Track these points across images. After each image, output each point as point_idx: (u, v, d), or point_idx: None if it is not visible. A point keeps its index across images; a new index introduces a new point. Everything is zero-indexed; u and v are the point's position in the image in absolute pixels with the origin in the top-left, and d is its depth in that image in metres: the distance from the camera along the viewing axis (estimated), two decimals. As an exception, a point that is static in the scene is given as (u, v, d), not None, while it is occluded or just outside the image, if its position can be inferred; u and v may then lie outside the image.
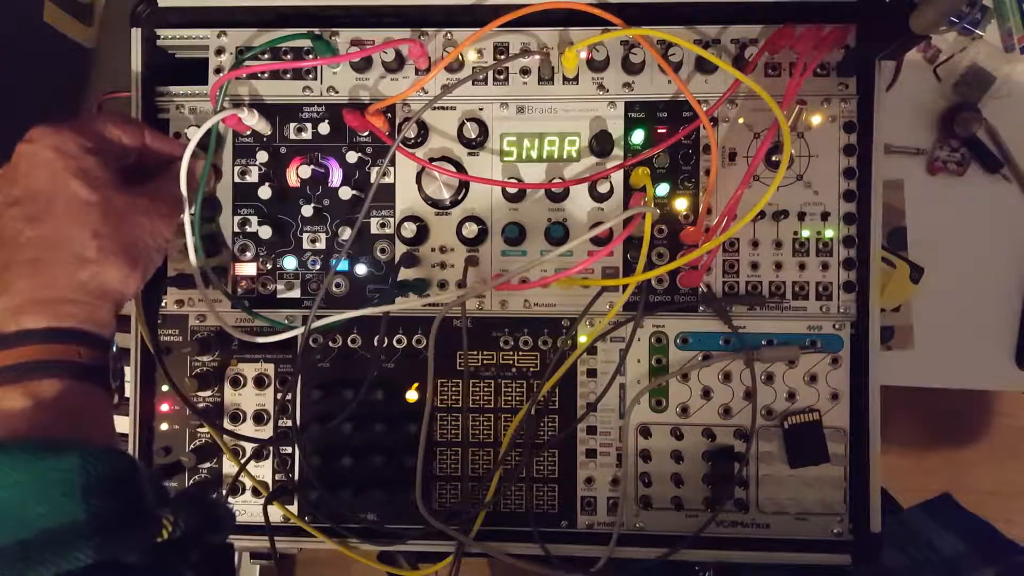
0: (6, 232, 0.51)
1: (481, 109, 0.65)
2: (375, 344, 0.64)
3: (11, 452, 0.42)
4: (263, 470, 0.67)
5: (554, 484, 0.66)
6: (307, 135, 0.65)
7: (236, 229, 0.66)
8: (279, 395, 0.66)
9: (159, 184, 0.59)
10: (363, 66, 0.64)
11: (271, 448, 0.66)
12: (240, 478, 0.66)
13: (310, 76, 0.65)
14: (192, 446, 0.67)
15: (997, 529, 0.77)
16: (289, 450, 0.66)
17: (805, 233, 0.64)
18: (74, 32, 0.80)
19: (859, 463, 0.64)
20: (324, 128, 0.64)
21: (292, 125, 0.65)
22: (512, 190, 0.64)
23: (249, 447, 0.66)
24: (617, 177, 0.64)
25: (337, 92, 0.65)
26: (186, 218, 0.61)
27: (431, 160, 0.63)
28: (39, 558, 0.39)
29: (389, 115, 0.64)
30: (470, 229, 0.63)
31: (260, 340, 0.64)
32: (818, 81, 0.63)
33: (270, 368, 0.67)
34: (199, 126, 0.61)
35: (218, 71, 0.65)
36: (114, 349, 0.55)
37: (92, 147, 0.54)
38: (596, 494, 0.66)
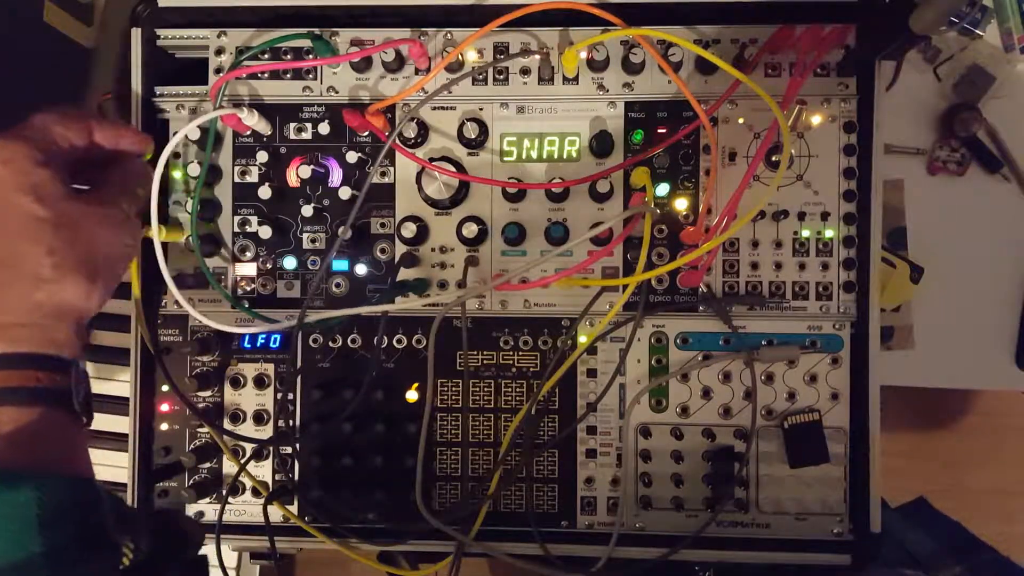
0: None
1: (481, 109, 0.65)
2: (375, 344, 0.64)
3: None
4: (263, 470, 0.67)
5: (554, 484, 0.66)
6: (307, 135, 0.65)
7: (236, 229, 0.66)
8: (279, 395, 0.66)
9: (113, 185, 0.57)
10: (363, 66, 0.64)
11: (271, 448, 0.66)
12: (240, 478, 0.66)
13: (310, 76, 0.65)
14: (192, 446, 0.67)
15: (968, 529, 0.77)
16: (289, 450, 0.66)
17: (805, 233, 0.64)
18: (74, 32, 0.80)
19: (859, 463, 0.64)
20: (324, 128, 0.64)
21: (292, 125, 0.65)
22: (512, 190, 0.64)
23: (249, 447, 0.66)
24: (617, 177, 0.64)
25: (337, 92, 0.65)
26: (153, 222, 0.59)
27: (431, 160, 0.63)
28: None
29: (389, 115, 0.64)
30: (470, 229, 0.63)
31: (252, 331, 0.63)
32: (818, 81, 0.63)
33: (270, 368, 0.67)
34: (199, 126, 0.61)
35: (218, 71, 0.65)
36: (80, 367, 0.53)
37: (41, 158, 0.51)
38: (596, 494, 0.66)
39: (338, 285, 0.65)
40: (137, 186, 0.58)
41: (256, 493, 0.66)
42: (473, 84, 0.65)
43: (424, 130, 0.64)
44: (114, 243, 0.54)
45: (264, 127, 0.65)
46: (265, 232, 0.64)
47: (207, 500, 0.66)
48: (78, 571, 0.42)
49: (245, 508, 0.66)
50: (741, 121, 0.64)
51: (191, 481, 0.66)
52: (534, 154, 0.65)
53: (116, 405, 0.74)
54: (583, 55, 0.63)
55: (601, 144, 0.63)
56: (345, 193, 0.64)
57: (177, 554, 0.50)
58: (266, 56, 0.65)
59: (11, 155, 0.50)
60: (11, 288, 0.49)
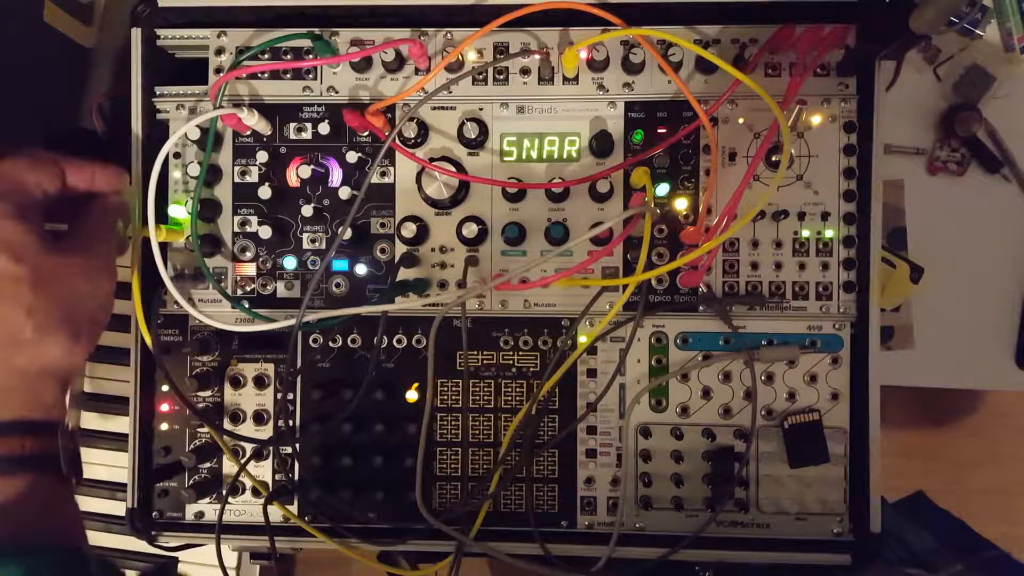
0: None
1: (481, 109, 0.65)
2: (375, 344, 0.64)
3: None
4: (263, 470, 0.67)
5: (554, 484, 0.66)
6: (307, 135, 0.65)
7: (236, 229, 0.66)
8: (279, 395, 0.66)
9: (88, 231, 0.55)
10: (363, 66, 0.64)
11: (271, 448, 0.66)
12: (240, 478, 0.66)
13: (310, 76, 0.65)
14: (192, 446, 0.67)
15: (968, 526, 0.77)
16: (289, 450, 0.66)
17: (805, 233, 0.64)
18: (74, 32, 0.79)
19: (859, 463, 0.64)
20: (324, 128, 0.64)
21: (292, 125, 0.65)
22: (512, 190, 0.64)
23: (249, 447, 0.66)
24: (617, 177, 0.64)
25: (337, 92, 0.65)
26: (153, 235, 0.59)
27: (431, 160, 0.63)
28: None
29: (389, 115, 0.64)
30: (470, 229, 0.63)
31: (252, 329, 0.63)
32: (818, 81, 0.63)
33: (270, 368, 0.67)
34: (199, 125, 0.61)
35: (218, 71, 0.65)
36: (67, 425, 0.52)
37: (13, 211, 0.49)
38: (596, 494, 0.66)
39: (338, 285, 0.65)
40: (115, 225, 0.57)
41: (256, 493, 0.66)
42: (473, 84, 0.65)
43: (424, 130, 0.64)
44: (96, 292, 0.53)
45: (264, 127, 0.65)
46: (265, 232, 0.64)
47: (207, 500, 0.66)
48: None
49: (245, 508, 0.66)
50: (741, 121, 0.64)
51: (191, 481, 0.66)
52: (534, 154, 0.65)
53: (116, 405, 0.73)
54: (583, 55, 0.62)
55: (601, 144, 0.63)
56: (345, 193, 0.64)
57: None
58: (266, 56, 0.65)
59: None
60: None
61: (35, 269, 0.49)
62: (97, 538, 0.84)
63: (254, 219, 0.66)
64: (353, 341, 0.66)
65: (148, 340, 0.64)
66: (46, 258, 0.50)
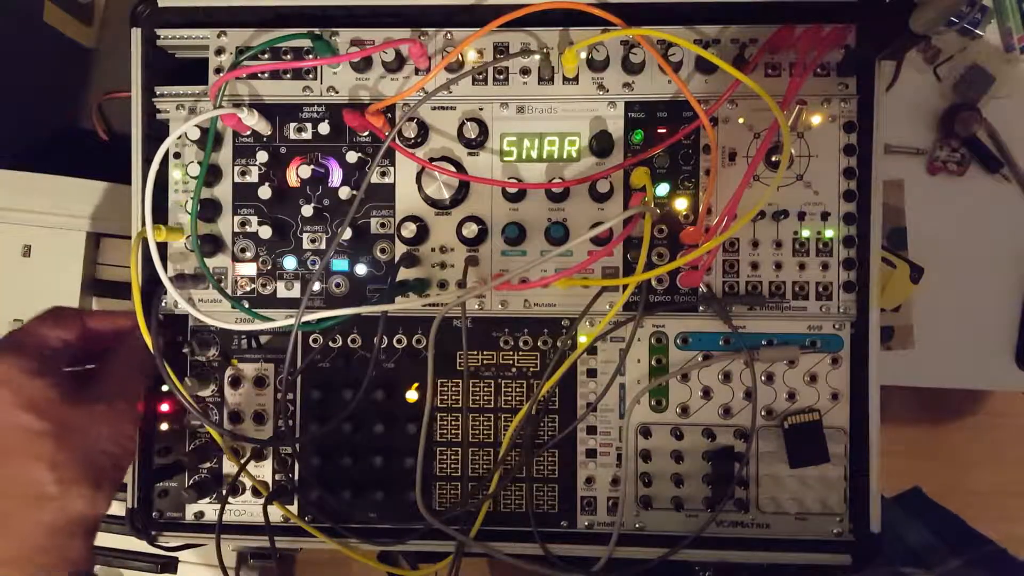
0: None
1: (481, 109, 0.65)
2: (375, 344, 0.64)
3: None
4: (263, 470, 0.67)
5: (554, 484, 0.66)
6: (307, 135, 0.65)
7: (236, 229, 0.66)
8: (279, 395, 0.66)
9: (111, 377, 0.56)
10: (363, 66, 0.64)
11: (271, 448, 0.66)
12: (240, 478, 0.66)
13: (310, 76, 0.65)
14: (192, 446, 0.67)
15: (965, 521, 0.77)
16: (289, 450, 0.66)
17: (805, 233, 0.64)
18: (74, 32, 0.80)
19: (859, 463, 0.64)
20: (324, 128, 0.64)
21: (292, 125, 0.65)
22: (512, 190, 0.64)
23: (249, 447, 0.66)
24: (617, 177, 0.64)
25: (337, 92, 0.65)
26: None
27: (431, 160, 0.63)
28: None
29: (389, 115, 0.64)
30: (470, 229, 0.63)
31: (251, 328, 0.63)
32: (818, 81, 0.63)
33: (270, 368, 0.67)
34: (199, 125, 0.61)
35: (218, 71, 0.65)
36: (95, 572, 0.53)
37: (34, 367, 0.50)
38: (596, 494, 0.66)
39: (338, 285, 0.65)
40: (139, 365, 0.58)
41: (256, 493, 0.66)
42: (473, 84, 0.65)
43: (424, 130, 0.64)
44: (119, 440, 0.54)
45: (264, 127, 0.65)
46: (265, 232, 0.64)
47: (207, 500, 0.66)
48: None
49: (245, 508, 0.66)
50: (741, 121, 0.64)
51: (191, 481, 0.66)
52: (534, 154, 0.64)
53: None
54: (583, 55, 0.63)
55: (601, 144, 0.63)
56: (345, 193, 0.64)
57: None
58: (266, 56, 0.65)
59: (4, 372, 0.50)
60: (18, 515, 0.48)
61: (58, 423, 0.50)
62: (97, 538, 0.83)
63: (254, 219, 0.66)
64: (353, 341, 0.66)
65: (148, 340, 0.64)
66: (69, 410, 0.51)
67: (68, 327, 0.55)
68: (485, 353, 0.66)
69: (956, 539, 0.74)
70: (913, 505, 0.82)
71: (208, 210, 0.65)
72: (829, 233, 0.64)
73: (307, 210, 0.64)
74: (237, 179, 0.66)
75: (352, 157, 0.65)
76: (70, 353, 0.55)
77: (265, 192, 0.64)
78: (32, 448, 0.49)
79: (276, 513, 0.65)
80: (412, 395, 0.66)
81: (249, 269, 0.66)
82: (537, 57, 0.63)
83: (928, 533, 0.75)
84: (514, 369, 0.66)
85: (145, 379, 0.60)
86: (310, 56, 0.64)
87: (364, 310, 0.60)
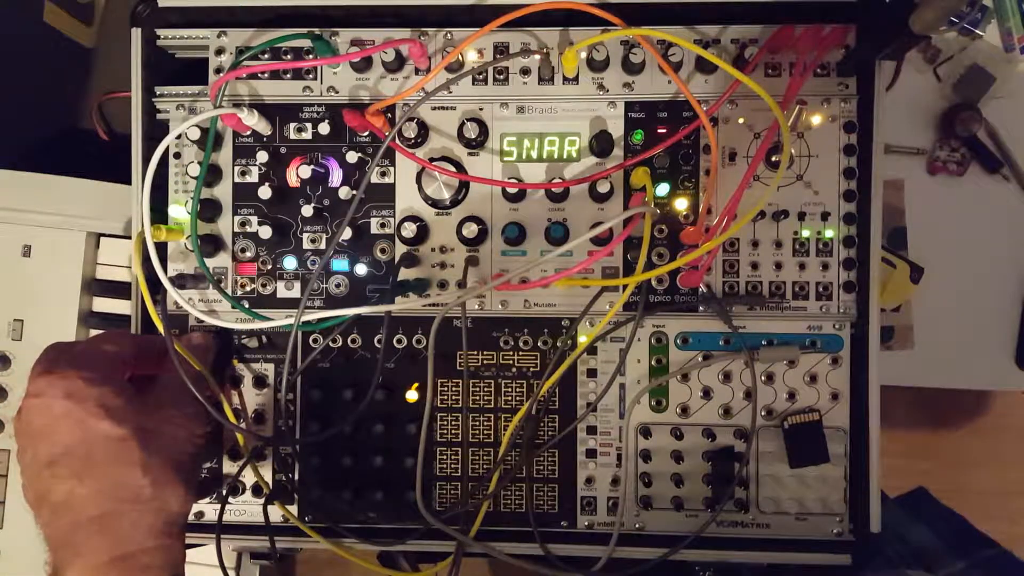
0: (55, 495, 0.49)
1: (481, 109, 0.65)
2: (375, 344, 0.64)
3: None
4: (263, 470, 0.66)
5: (554, 484, 0.66)
6: (307, 135, 0.65)
7: (236, 229, 0.66)
8: (279, 395, 0.66)
9: (172, 382, 0.57)
10: (363, 66, 0.64)
11: (271, 448, 0.66)
12: (240, 478, 0.66)
13: (310, 76, 0.65)
14: (192, 446, 0.66)
15: (970, 523, 0.77)
16: (289, 450, 0.66)
17: (805, 233, 0.64)
18: (74, 32, 0.80)
19: (859, 463, 0.64)
20: (324, 128, 0.64)
21: (292, 125, 0.65)
22: (512, 190, 0.64)
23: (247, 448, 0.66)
24: (617, 177, 0.64)
25: (337, 92, 0.65)
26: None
27: (431, 160, 0.63)
28: None
29: (389, 115, 0.64)
30: (470, 229, 0.63)
31: (251, 328, 0.63)
32: (818, 81, 0.63)
33: (270, 368, 0.67)
34: (199, 125, 0.61)
35: (218, 71, 0.65)
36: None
37: (96, 376, 0.51)
38: (596, 494, 0.66)
39: (338, 285, 0.65)
40: (203, 360, 0.60)
41: (256, 493, 0.66)
42: (473, 84, 0.65)
43: (424, 130, 0.64)
44: (193, 439, 0.56)
45: (264, 127, 0.65)
46: (265, 232, 0.64)
47: (207, 500, 0.66)
48: None
49: (245, 508, 0.66)
50: (741, 121, 0.64)
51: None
52: (534, 154, 0.64)
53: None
54: (583, 55, 0.63)
55: (601, 144, 0.63)
56: (345, 193, 0.64)
57: None
58: (266, 56, 0.65)
59: (70, 384, 0.50)
60: (123, 518, 0.49)
61: (136, 427, 0.51)
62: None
63: (254, 219, 0.65)
64: (353, 341, 0.66)
65: (161, 329, 0.64)
66: (142, 415, 0.52)
67: (122, 342, 0.56)
68: (485, 353, 0.66)
69: (960, 541, 0.74)
70: (917, 506, 0.81)
71: (208, 210, 0.65)
72: (829, 233, 0.64)
73: (307, 210, 0.64)
74: (237, 179, 0.66)
75: (352, 157, 0.65)
76: (126, 366, 0.56)
77: (265, 192, 0.64)
78: (120, 454, 0.50)
79: (276, 513, 0.65)
80: (412, 395, 0.66)
81: (249, 269, 0.66)
82: (537, 57, 0.63)
83: (932, 534, 0.75)
84: (514, 369, 0.66)
85: (207, 370, 0.60)
86: (310, 56, 0.64)
87: (365, 310, 0.60)
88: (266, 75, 0.65)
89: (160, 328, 0.60)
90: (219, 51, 0.65)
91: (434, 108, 0.65)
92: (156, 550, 0.50)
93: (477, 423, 0.66)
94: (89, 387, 0.50)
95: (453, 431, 0.66)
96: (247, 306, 0.64)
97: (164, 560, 0.50)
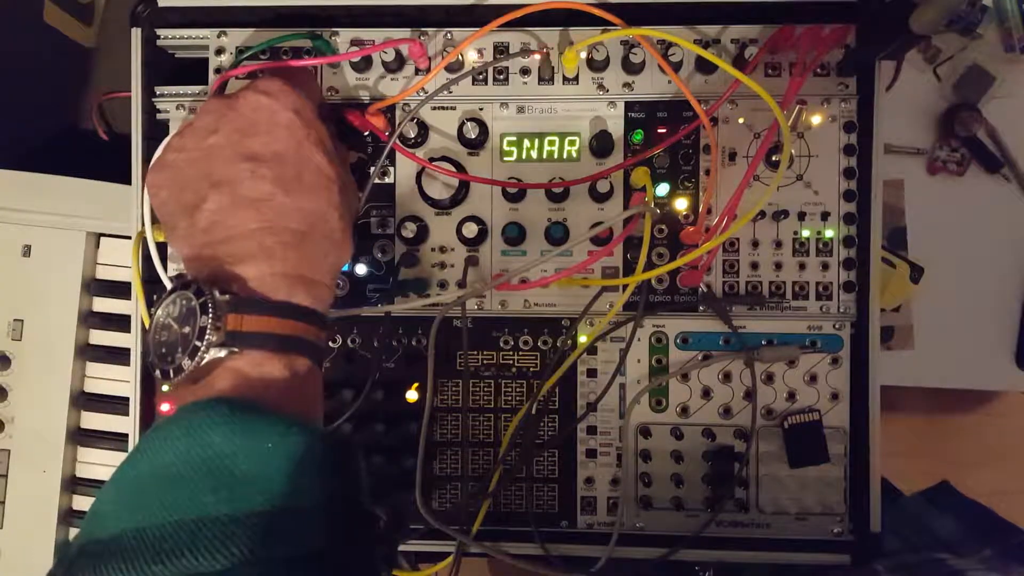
0: (245, 188, 0.46)
1: (481, 109, 0.65)
2: (375, 344, 0.64)
3: (270, 421, 0.41)
4: (263, 470, 0.66)
5: (554, 484, 0.66)
6: (307, 135, 0.65)
7: (236, 229, 0.66)
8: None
9: (345, 161, 0.57)
10: (363, 66, 0.64)
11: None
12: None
13: (310, 76, 0.65)
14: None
15: (995, 512, 0.77)
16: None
17: (805, 233, 0.64)
18: (74, 32, 0.80)
19: (859, 463, 0.64)
20: (324, 128, 0.64)
21: (292, 125, 0.65)
22: (512, 190, 0.64)
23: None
24: (617, 177, 0.64)
25: (337, 92, 0.65)
26: None
27: (431, 160, 0.63)
28: (279, 535, 0.37)
29: (389, 115, 0.64)
30: (470, 229, 0.63)
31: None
32: (818, 81, 0.63)
33: (270, 368, 0.66)
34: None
35: (218, 71, 0.65)
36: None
37: (320, 115, 0.51)
38: (596, 494, 0.66)
39: (338, 285, 0.65)
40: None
41: (256, 493, 0.66)
42: (473, 84, 0.65)
43: (424, 130, 0.64)
44: (353, 206, 0.56)
45: (264, 127, 0.65)
46: (265, 232, 0.63)
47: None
48: (346, 528, 0.41)
49: (245, 508, 0.66)
50: (741, 121, 0.64)
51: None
52: (534, 154, 0.64)
53: (116, 405, 0.73)
54: (583, 55, 0.63)
55: (601, 144, 0.63)
56: (345, 193, 0.64)
57: (401, 535, 0.51)
58: (266, 56, 0.65)
59: (302, 105, 0.49)
60: (316, 245, 0.49)
61: (340, 176, 0.51)
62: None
63: (254, 219, 0.65)
64: (353, 341, 0.66)
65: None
66: (343, 169, 0.53)
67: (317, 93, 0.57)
68: (485, 353, 0.66)
69: (987, 529, 0.74)
70: (941, 498, 0.81)
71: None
72: (829, 233, 0.64)
73: (307, 210, 0.64)
74: (237, 179, 0.66)
75: (352, 157, 0.65)
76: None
77: (265, 192, 0.64)
78: (326, 191, 0.49)
79: (276, 513, 0.65)
80: (412, 395, 0.66)
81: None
82: (537, 57, 0.63)
83: (959, 525, 0.74)
84: (514, 369, 0.66)
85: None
86: (310, 56, 0.64)
87: (365, 311, 0.60)
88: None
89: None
90: (219, 51, 0.65)
91: (434, 108, 0.65)
92: (326, 288, 0.50)
93: (477, 423, 0.66)
94: (314, 117, 0.50)
95: (453, 431, 0.66)
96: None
97: (327, 299, 0.50)
